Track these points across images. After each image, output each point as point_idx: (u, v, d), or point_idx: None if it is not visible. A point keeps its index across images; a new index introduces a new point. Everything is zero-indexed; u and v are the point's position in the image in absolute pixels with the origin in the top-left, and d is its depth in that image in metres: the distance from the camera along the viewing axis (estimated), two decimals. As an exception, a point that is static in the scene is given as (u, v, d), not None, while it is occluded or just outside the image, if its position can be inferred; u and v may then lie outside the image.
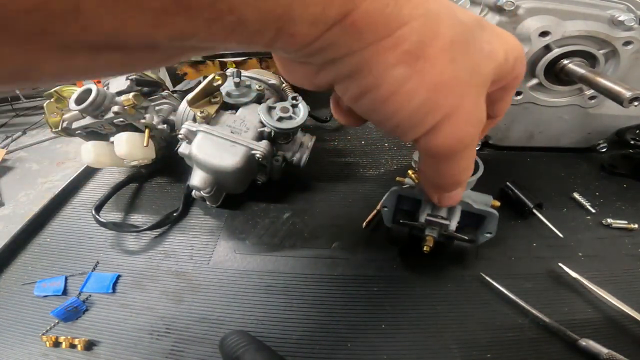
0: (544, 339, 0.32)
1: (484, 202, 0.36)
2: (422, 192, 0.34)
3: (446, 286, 0.37)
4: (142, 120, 0.48)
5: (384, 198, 0.38)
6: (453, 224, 0.34)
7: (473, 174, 0.38)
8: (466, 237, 0.34)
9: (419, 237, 0.36)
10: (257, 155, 0.43)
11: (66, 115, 0.48)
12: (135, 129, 0.48)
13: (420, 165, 0.25)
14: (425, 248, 0.35)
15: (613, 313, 0.34)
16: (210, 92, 0.46)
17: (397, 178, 0.40)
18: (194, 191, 0.46)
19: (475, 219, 0.36)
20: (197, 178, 0.44)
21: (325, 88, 0.21)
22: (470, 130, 0.20)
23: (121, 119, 0.46)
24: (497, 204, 0.36)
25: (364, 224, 0.44)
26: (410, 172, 0.41)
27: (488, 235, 0.36)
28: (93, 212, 0.45)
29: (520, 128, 0.53)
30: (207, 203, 0.47)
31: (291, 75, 0.21)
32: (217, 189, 0.45)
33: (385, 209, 0.39)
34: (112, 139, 0.47)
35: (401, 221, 0.36)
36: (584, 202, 0.45)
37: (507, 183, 0.45)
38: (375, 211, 0.45)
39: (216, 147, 0.43)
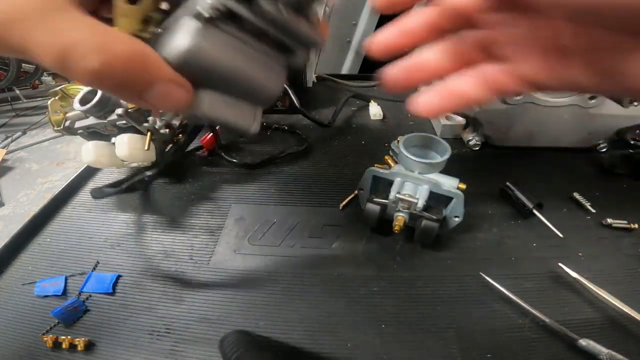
0: (544, 339, 0.32)
1: (451, 185, 0.38)
2: (395, 174, 0.38)
3: (446, 286, 0.37)
4: (145, 124, 0.48)
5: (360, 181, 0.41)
6: (421, 202, 0.36)
7: (442, 157, 0.38)
8: (434, 217, 0.36)
9: (391, 220, 0.39)
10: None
11: (69, 114, 0.48)
12: (137, 131, 0.48)
13: None
14: (396, 228, 0.37)
15: (613, 313, 0.34)
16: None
17: (376, 165, 0.41)
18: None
19: (445, 203, 0.38)
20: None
21: None
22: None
23: (124, 122, 0.46)
24: (463, 186, 0.38)
25: (341, 206, 0.46)
26: (386, 157, 0.44)
27: (456, 219, 0.38)
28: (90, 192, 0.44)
29: (520, 128, 0.53)
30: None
31: None
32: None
33: (362, 191, 0.42)
34: (113, 139, 0.47)
35: (374, 199, 0.39)
36: (584, 202, 0.45)
37: (507, 183, 0.46)
38: (352, 195, 0.47)
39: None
